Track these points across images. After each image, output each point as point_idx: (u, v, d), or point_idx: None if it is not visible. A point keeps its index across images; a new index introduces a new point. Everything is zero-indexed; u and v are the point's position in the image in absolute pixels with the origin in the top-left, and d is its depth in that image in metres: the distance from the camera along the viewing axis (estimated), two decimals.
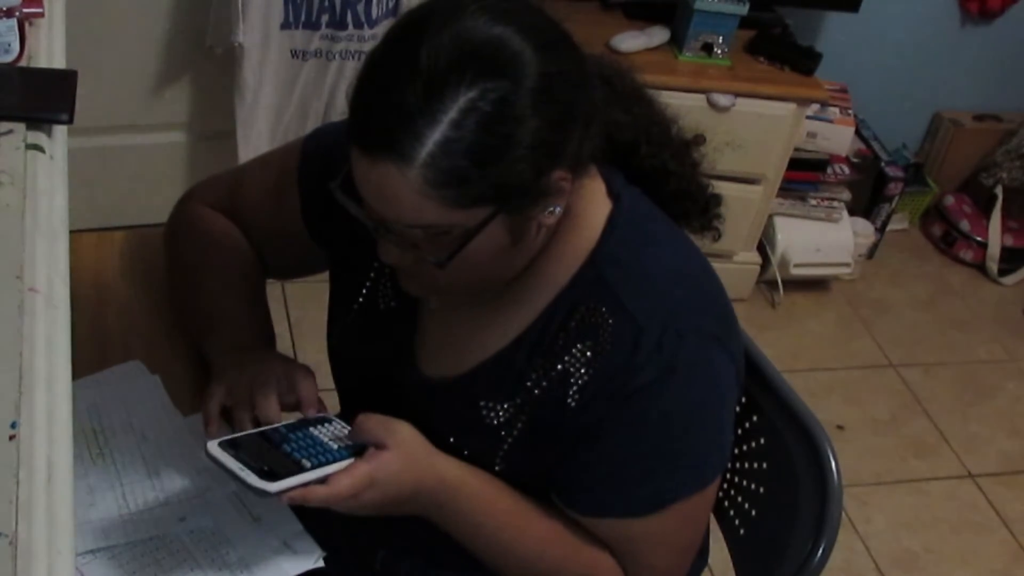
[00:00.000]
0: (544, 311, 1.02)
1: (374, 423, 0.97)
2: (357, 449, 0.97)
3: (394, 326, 1.11)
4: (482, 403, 1.04)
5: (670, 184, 1.10)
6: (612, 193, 1.03)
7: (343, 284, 1.17)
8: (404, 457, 0.96)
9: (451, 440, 1.05)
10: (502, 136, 0.85)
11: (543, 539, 1.04)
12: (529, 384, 1.02)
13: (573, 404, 1.00)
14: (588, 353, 0.99)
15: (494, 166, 0.85)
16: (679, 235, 1.08)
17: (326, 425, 1.00)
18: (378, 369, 1.13)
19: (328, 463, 0.94)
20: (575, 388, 1.00)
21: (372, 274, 1.12)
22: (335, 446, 0.97)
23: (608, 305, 0.99)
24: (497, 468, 1.05)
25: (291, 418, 1.02)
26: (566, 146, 0.90)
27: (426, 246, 0.91)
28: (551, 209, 0.93)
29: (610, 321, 0.98)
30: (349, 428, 0.99)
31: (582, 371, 1.00)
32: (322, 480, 0.92)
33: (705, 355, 1.00)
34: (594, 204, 1.01)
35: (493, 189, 0.87)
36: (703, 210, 1.13)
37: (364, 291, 1.13)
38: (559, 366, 1.01)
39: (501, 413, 1.04)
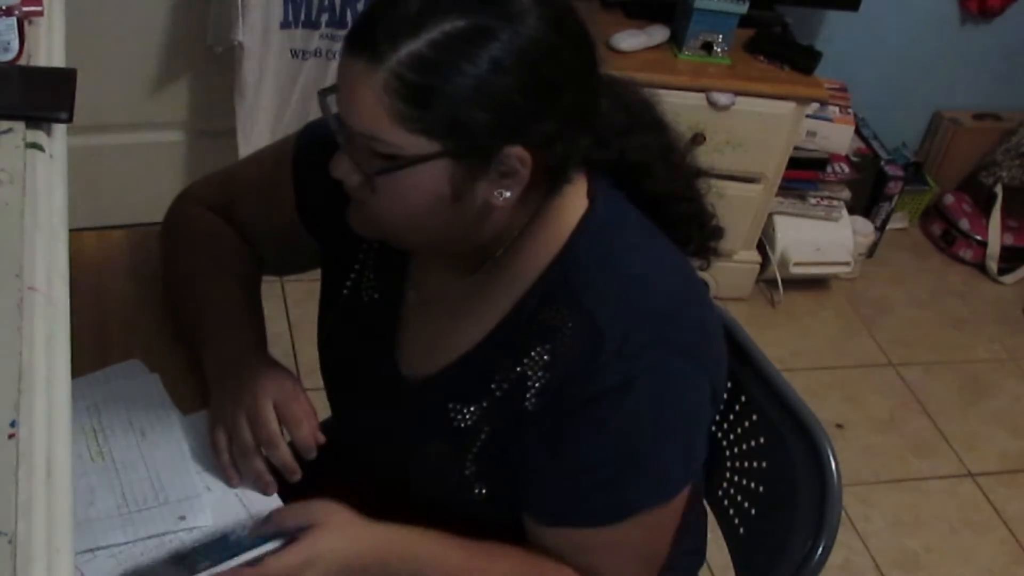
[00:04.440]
0: (511, 311, 1.00)
1: (290, 510, 0.96)
2: (288, 541, 0.94)
3: (376, 319, 1.11)
4: (451, 405, 1.03)
5: (681, 208, 1.08)
6: (590, 195, 1.01)
7: (331, 277, 1.17)
8: (334, 527, 0.94)
9: (423, 441, 1.04)
10: (472, 76, 0.85)
11: (506, 573, 1.01)
12: (493, 387, 1.01)
13: (530, 408, 0.98)
14: (546, 356, 0.97)
15: (454, 101, 0.85)
16: (656, 245, 1.04)
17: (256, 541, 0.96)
18: (362, 363, 1.13)
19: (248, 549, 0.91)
20: (532, 391, 0.98)
21: (356, 265, 1.12)
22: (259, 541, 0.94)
23: (570, 307, 0.96)
24: (467, 471, 1.04)
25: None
26: (533, 122, 0.89)
27: (368, 159, 0.91)
28: (500, 191, 0.92)
29: (570, 324, 0.96)
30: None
31: (540, 374, 0.98)
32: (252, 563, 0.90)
33: (671, 367, 0.96)
34: (569, 203, 0.99)
35: (445, 125, 0.86)
36: (704, 238, 1.11)
37: (349, 283, 1.13)
38: (518, 368, 0.99)
39: (468, 416, 1.03)
